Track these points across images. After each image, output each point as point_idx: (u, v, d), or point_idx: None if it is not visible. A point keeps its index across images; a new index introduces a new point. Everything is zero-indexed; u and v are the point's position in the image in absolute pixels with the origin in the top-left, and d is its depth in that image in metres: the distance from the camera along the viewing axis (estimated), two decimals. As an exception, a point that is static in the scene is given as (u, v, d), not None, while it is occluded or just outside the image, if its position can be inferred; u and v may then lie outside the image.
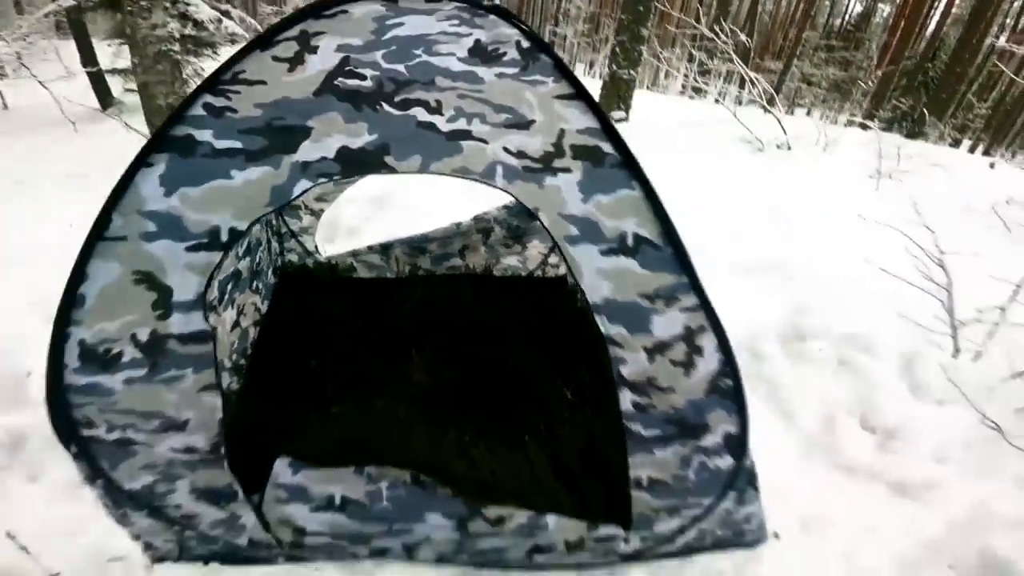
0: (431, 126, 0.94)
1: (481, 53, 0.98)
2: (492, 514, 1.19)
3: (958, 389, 1.72)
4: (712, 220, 3.23)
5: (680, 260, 0.99)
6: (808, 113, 18.15)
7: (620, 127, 5.30)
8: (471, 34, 0.99)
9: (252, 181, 0.94)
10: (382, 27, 0.97)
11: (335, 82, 0.93)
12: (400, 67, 0.95)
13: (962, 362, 1.99)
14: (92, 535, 1.27)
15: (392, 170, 0.94)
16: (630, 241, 0.97)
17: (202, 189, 0.93)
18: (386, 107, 0.93)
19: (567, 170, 0.96)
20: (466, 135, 0.94)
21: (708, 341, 1.02)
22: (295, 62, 0.94)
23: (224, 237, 0.95)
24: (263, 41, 0.95)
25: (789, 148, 5.47)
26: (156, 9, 3.58)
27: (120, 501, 1.12)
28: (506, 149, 0.95)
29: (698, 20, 6.45)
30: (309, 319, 2.02)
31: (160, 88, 3.92)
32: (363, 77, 0.94)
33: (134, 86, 6.83)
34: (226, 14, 6.72)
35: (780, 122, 5.56)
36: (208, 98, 0.93)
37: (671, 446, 1.10)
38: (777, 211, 3.58)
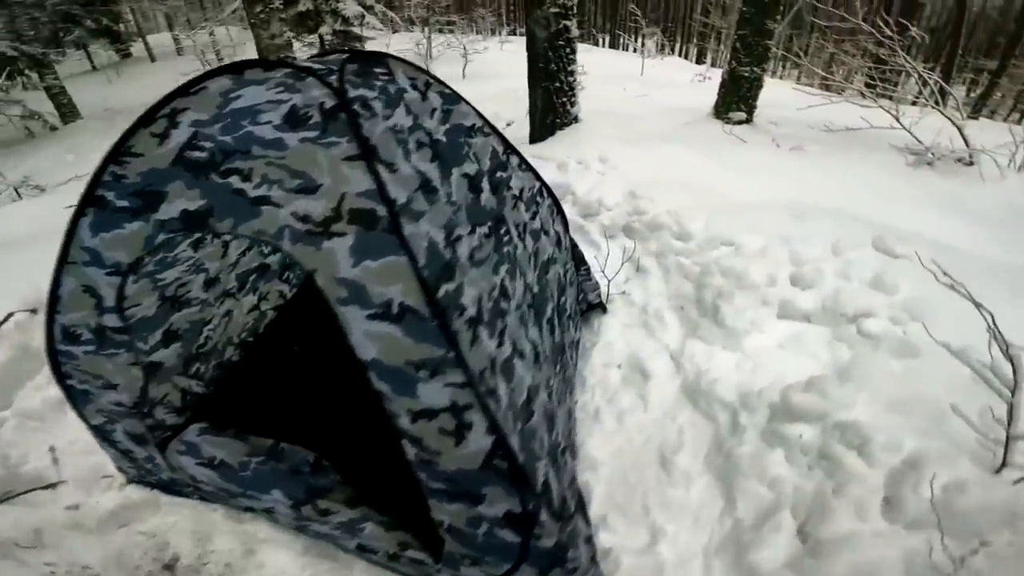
0: (241, 192, 1.08)
1: (292, 118, 1.07)
2: (321, 505, 1.36)
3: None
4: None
5: (445, 334, 0.97)
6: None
7: (744, 129, 4.78)
8: (289, 100, 1.08)
9: (135, 231, 1.21)
10: (225, 100, 1.13)
11: (184, 154, 1.14)
12: (229, 138, 1.10)
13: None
14: (99, 456, 1.75)
15: (216, 232, 1.12)
16: (395, 308, 0.98)
17: (111, 234, 1.24)
18: (213, 176, 1.11)
19: (342, 234, 1.00)
20: (266, 200, 1.06)
21: (478, 419, 0.99)
22: (163, 137, 1.17)
23: (123, 268, 1.26)
24: (145, 119, 1.20)
25: (971, 162, 4.28)
26: (273, 20, 4.34)
27: (93, 432, 1.59)
28: (294, 214, 1.04)
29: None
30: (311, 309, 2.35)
31: None
32: (203, 149, 1.13)
33: None
34: (369, 9, 7.79)
35: (961, 130, 4.37)
36: (112, 167, 1.22)
37: (455, 503, 1.09)
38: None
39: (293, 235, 1.05)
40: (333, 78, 1.09)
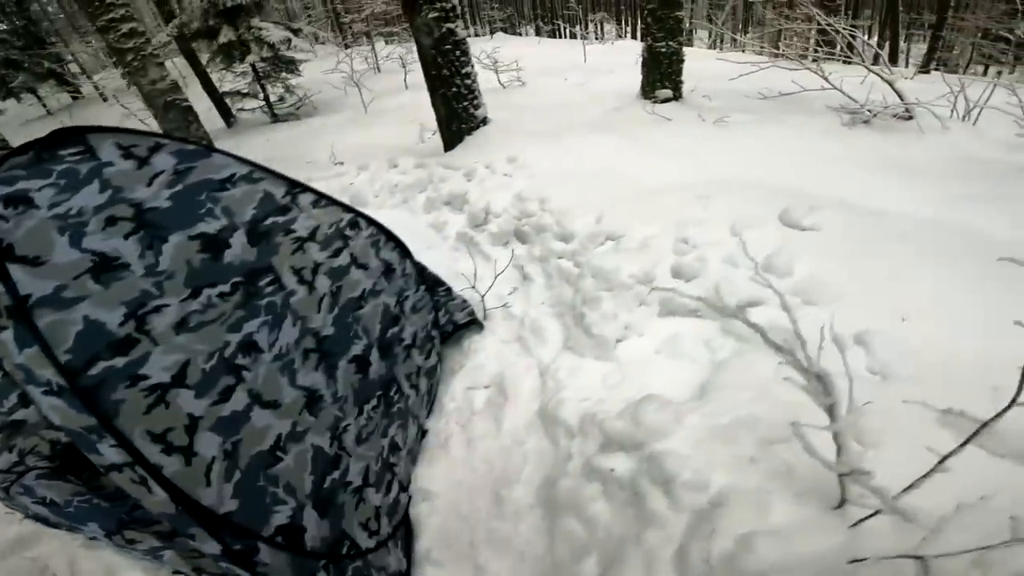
0: None
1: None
2: (128, 536, 1.44)
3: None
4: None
5: (90, 406, 0.99)
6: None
7: (672, 107, 4.58)
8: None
9: None
10: None
11: None
12: None
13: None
14: None
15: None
16: (54, 386, 1.00)
17: None
18: None
19: (5, 327, 0.99)
20: None
21: (147, 475, 1.04)
22: None
23: None
24: None
25: (909, 117, 4.04)
26: (149, 66, 4.20)
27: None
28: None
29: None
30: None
31: (177, 134, 4.59)
32: None
33: (243, 105, 8.39)
34: (297, 32, 7.69)
35: (891, 84, 4.12)
36: None
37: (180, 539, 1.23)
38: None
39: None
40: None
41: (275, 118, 8.26)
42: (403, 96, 7.87)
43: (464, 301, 2.37)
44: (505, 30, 15.67)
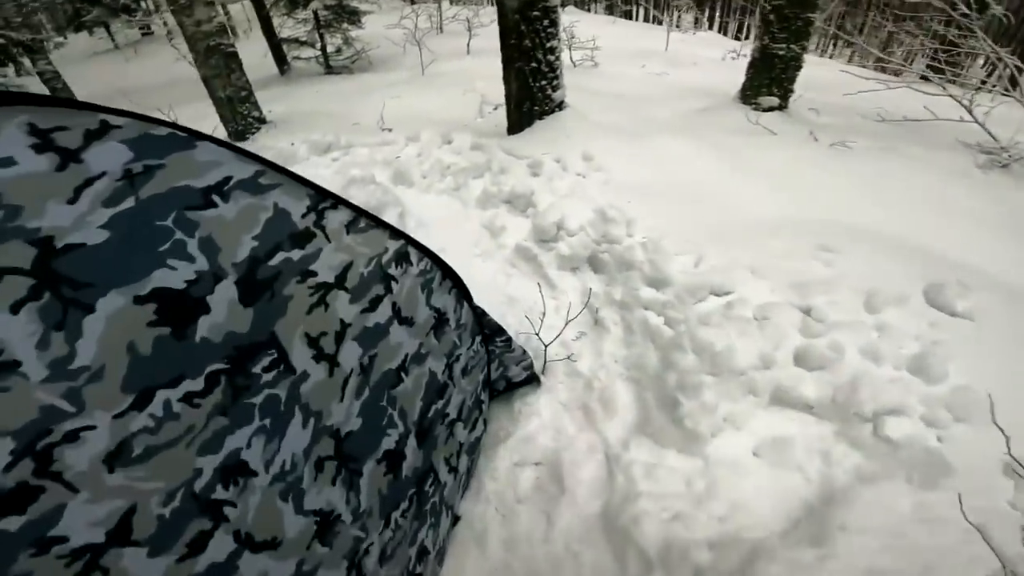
0: None
1: None
2: None
3: None
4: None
5: None
6: None
7: (777, 118, 3.91)
8: None
9: None
10: None
11: None
12: None
13: None
14: None
15: None
16: None
17: None
18: None
19: None
20: None
21: None
22: None
23: None
24: None
25: None
26: (197, 5, 3.71)
27: None
28: None
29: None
30: None
31: (217, 81, 4.13)
32: None
33: (299, 54, 7.97)
34: None
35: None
36: None
37: None
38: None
39: None
40: None
41: (329, 70, 7.77)
42: (464, 61, 7.25)
43: (524, 353, 1.85)
44: (578, 4, 14.63)
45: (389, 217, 2.94)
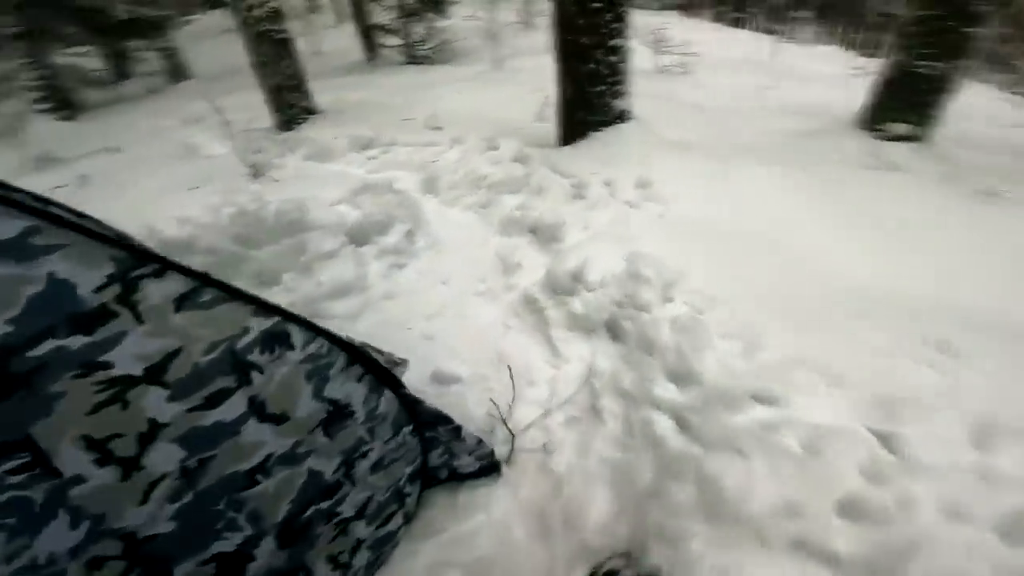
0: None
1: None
2: None
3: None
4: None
5: None
6: None
7: (907, 151, 3.08)
8: None
9: None
10: None
11: None
12: None
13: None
14: None
15: None
16: None
17: None
18: None
19: None
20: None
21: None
22: None
23: None
24: None
25: None
26: None
27: None
28: None
29: None
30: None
31: (267, 69, 3.97)
32: None
33: (386, 41, 7.93)
34: None
35: None
36: None
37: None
38: None
39: None
40: None
41: (411, 60, 7.68)
42: (543, 58, 6.80)
43: (479, 443, 1.40)
44: (682, 6, 13.49)
45: (392, 235, 2.59)
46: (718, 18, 13.78)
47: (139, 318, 0.76)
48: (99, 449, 0.78)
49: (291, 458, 1.03)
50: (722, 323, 1.65)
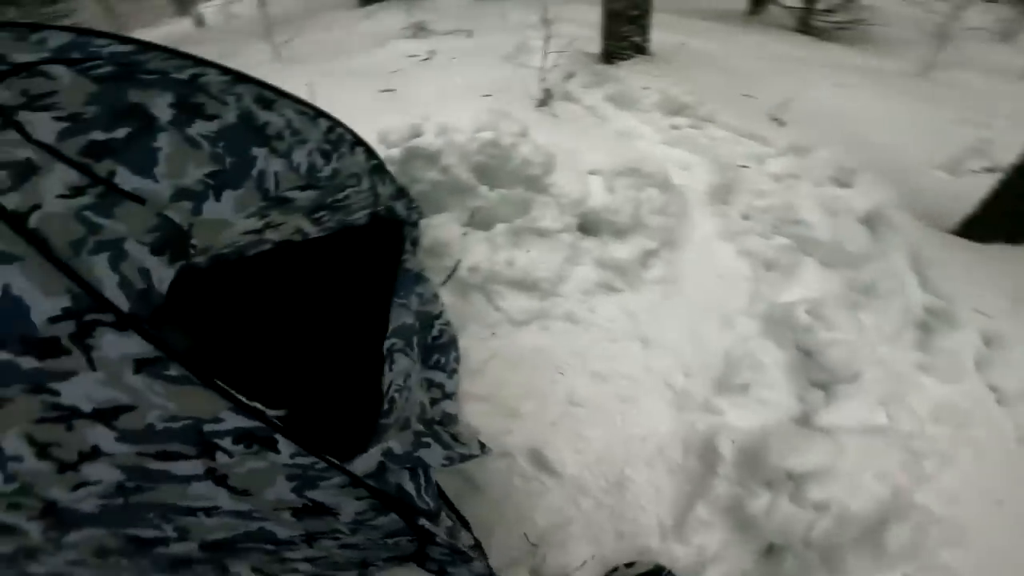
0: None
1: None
2: None
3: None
4: None
5: None
6: None
7: None
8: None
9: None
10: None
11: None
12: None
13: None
14: None
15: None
16: None
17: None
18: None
19: None
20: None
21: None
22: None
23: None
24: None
25: None
26: None
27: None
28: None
29: None
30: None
31: None
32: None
33: None
34: None
35: None
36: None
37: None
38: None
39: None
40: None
41: (803, 28, 6.15)
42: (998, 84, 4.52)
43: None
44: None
45: (626, 246, 1.89)
46: None
47: (92, 365, 0.66)
48: (40, 448, 0.73)
49: (243, 515, 0.86)
50: None
